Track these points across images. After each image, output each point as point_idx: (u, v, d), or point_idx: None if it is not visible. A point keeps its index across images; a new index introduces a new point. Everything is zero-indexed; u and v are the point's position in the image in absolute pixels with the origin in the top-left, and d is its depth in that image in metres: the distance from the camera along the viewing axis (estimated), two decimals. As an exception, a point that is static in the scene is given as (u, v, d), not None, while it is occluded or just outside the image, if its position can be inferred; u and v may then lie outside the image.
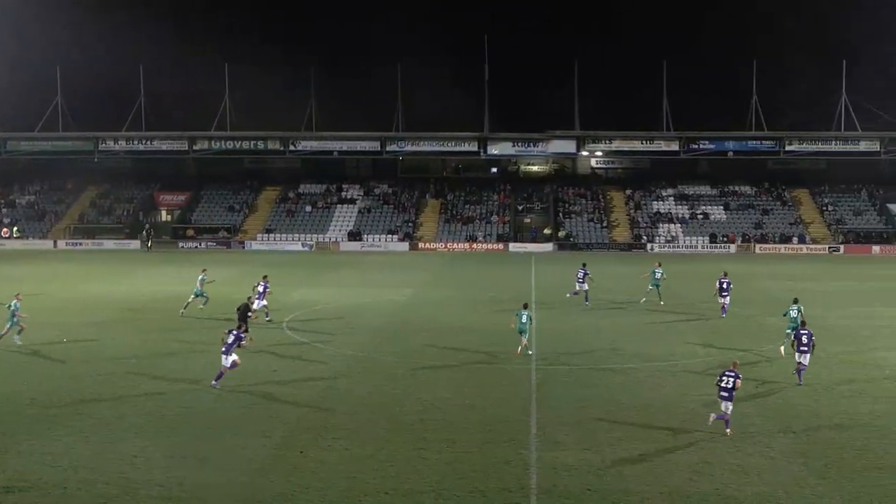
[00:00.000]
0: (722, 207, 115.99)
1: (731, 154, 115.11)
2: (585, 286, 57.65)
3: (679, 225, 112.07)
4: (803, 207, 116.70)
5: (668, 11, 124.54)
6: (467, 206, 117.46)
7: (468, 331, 48.21)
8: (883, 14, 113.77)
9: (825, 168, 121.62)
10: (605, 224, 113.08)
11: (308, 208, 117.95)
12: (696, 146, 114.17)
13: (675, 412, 31.91)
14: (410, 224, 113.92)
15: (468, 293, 64.09)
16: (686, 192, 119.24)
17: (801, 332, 37.66)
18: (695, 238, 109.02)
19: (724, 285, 54.04)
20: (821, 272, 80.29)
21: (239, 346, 35.19)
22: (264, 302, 50.88)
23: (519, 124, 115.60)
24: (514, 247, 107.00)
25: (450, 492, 23.89)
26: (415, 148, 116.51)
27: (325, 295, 62.56)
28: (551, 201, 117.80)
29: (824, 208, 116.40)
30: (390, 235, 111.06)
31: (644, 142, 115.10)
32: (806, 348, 36.78)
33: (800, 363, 36.69)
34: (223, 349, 34.92)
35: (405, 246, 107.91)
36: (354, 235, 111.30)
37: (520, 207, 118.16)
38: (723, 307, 53.74)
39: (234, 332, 35.60)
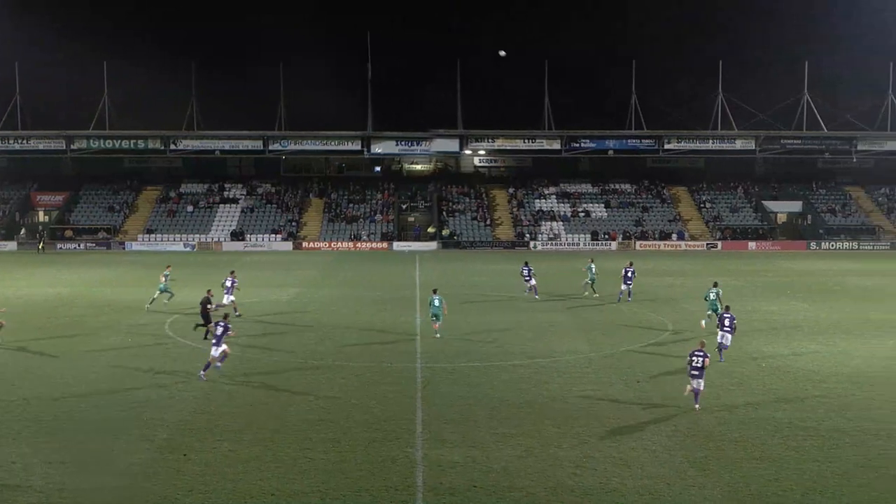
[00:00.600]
0: (603, 205, 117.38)
1: (611, 152, 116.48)
2: (533, 281, 60.47)
3: (561, 223, 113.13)
4: (682, 205, 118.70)
5: (549, 12, 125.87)
6: (351, 205, 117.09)
7: (353, 330, 48.07)
8: (757, 15, 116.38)
9: (703, 166, 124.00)
10: (488, 222, 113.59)
11: (190, 208, 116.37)
12: (578, 145, 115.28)
13: (559, 408, 32.20)
14: (294, 223, 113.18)
15: (353, 292, 63.93)
16: (568, 190, 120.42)
17: (725, 315, 41.76)
18: (577, 236, 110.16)
19: (629, 274, 58.50)
20: (699, 268, 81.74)
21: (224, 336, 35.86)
22: (232, 297, 51.93)
23: (402, 123, 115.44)
24: (398, 245, 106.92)
25: (336, 492, 23.81)
26: (298, 147, 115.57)
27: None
28: (435, 200, 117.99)
29: (702, 206, 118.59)
30: (274, 235, 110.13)
31: (526, 140, 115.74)
32: (728, 329, 40.84)
33: (721, 343, 40.71)
34: (213, 340, 35.75)
35: (289, 245, 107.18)
36: (237, 235, 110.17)
37: (403, 206, 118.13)
38: (627, 293, 58.46)
39: (222, 324, 36.17)
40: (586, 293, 60.92)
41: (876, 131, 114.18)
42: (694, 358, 32.02)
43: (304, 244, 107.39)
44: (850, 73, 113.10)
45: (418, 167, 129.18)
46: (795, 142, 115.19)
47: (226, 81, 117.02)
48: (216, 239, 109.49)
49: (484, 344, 44.27)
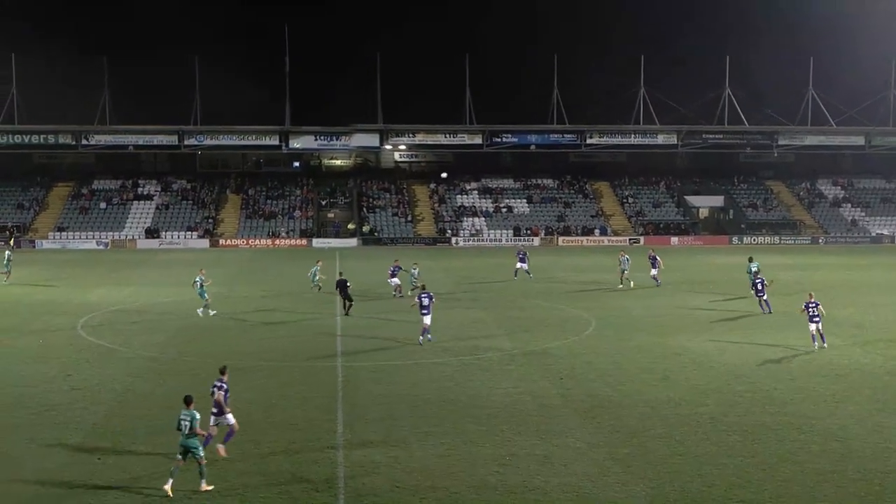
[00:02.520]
0: (525, 200, 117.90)
1: (533, 147, 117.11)
2: (525, 266, 67.80)
3: (483, 218, 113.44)
4: (604, 200, 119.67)
5: (471, 4, 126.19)
6: (269, 202, 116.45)
7: (272, 329, 47.85)
8: (678, 9, 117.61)
9: (625, 161, 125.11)
10: (409, 218, 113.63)
11: (103, 205, 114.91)
12: (500, 140, 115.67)
13: (482, 406, 32.25)
14: (211, 220, 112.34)
15: (271, 290, 63.59)
16: (490, 185, 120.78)
17: (757, 279, 53.64)
18: (499, 231, 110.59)
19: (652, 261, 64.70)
20: (633, 263, 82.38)
21: None
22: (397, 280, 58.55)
23: (321, 118, 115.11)
24: (317, 242, 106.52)
25: (256, 493, 23.61)
26: (214, 142, 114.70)
27: (123, 295, 61.17)
28: (355, 196, 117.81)
29: (625, 200, 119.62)
30: (190, 232, 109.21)
31: (447, 135, 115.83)
32: (762, 293, 52.63)
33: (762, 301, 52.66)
34: (423, 311, 42.80)
35: (205, 243, 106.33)
36: (152, 233, 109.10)
37: (323, 202, 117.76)
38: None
39: (425, 294, 39.67)
40: (621, 286, 63.82)
41: (797, 126, 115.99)
42: (810, 308, 42.01)
43: (222, 241, 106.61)
44: (772, 69, 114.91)
45: (338, 162, 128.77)
46: (717, 136, 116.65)
47: (139, 75, 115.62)
48: (130, 237, 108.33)
49: (406, 342, 44.23)
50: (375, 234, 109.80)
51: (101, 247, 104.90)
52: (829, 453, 27.30)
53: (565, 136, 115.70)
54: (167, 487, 23.29)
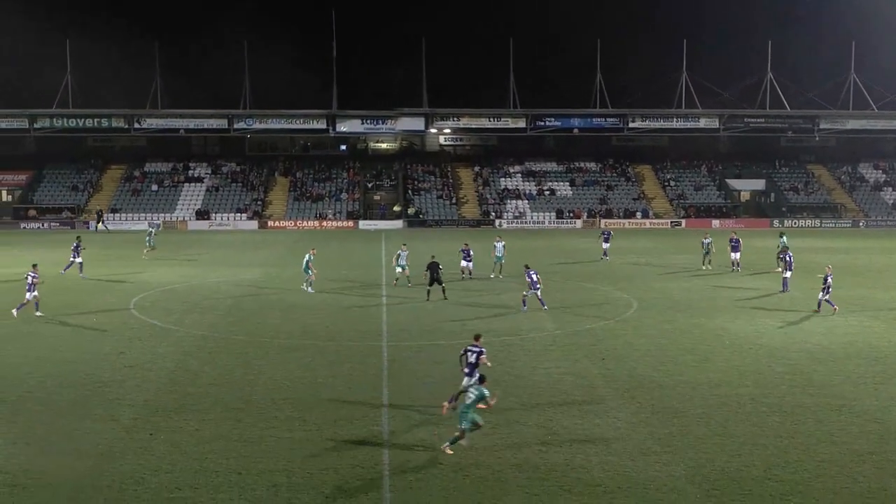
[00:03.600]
0: (568, 183, 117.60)
1: (576, 131, 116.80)
2: (608, 245, 70.03)
3: (526, 201, 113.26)
4: (646, 183, 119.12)
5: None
6: (316, 184, 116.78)
7: (319, 309, 47.98)
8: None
9: (667, 145, 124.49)
10: (453, 201, 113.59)
11: (154, 187, 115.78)
12: (543, 123, 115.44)
13: (524, 385, 32.30)
14: (259, 202, 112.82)
15: (319, 272, 63.75)
16: (533, 168, 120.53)
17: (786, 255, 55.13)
18: (542, 214, 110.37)
19: (734, 244, 63.85)
20: (663, 246, 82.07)
21: None
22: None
23: (368, 102, 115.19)
24: (364, 224, 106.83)
25: (303, 470, 23.76)
26: (263, 126, 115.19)
27: (174, 275, 61.55)
28: (400, 178, 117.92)
29: (666, 184, 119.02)
30: (239, 214, 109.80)
31: (491, 119, 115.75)
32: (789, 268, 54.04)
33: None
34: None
35: (254, 224, 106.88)
36: (202, 214, 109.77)
37: (369, 184, 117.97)
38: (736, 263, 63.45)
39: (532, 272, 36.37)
40: (704, 266, 64.55)
41: (838, 110, 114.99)
42: (829, 279, 45.75)
43: (270, 223, 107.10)
44: (813, 53, 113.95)
45: (384, 146, 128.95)
46: (759, 120, 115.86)
47: (190, 59, 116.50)
48: (181, 218, 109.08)
49: (449, 322, 44.32)
50: (420, 216, 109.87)
51: (152, 228, 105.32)
52: (868, 434, 27.15)
53: (608, 119, 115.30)
54: (448, 450, 24.82)
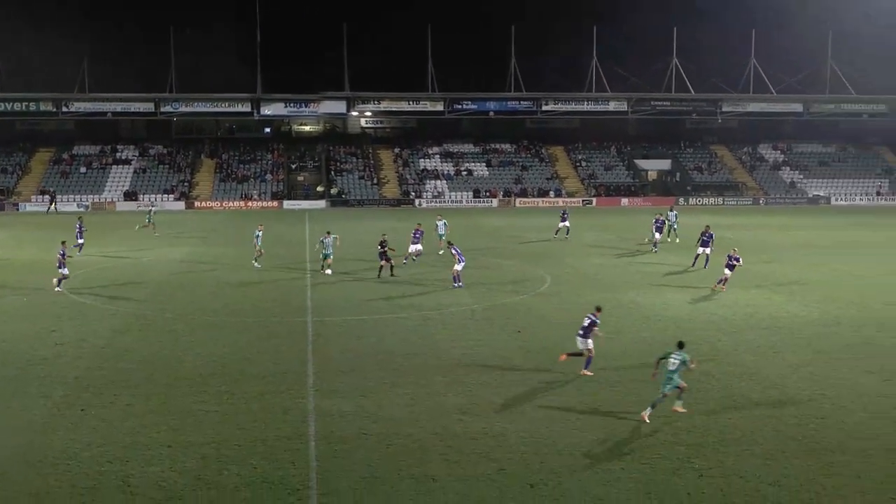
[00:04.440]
0: (484, 164, 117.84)
1: (492, 114, 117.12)
2: (567, 224, 68.37)
3: (444, 181, 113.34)
4: (559, 163, 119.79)
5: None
6: (242, 166, 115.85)
7: (245, 287, 47.71)
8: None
9: (578, 127, 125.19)
10: (375, 181, 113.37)
11: (83, 169, 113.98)
12: (460, 106, 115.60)
13: (445, 358, 32.38)
14: (186, 183, 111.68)
15: (244, 250, 63.31)
16: (451, 150, 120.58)
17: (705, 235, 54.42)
18: (459, 193, 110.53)
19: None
20: (576, 223, 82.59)
21: None
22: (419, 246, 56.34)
23: (291, 86, 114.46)
24: (288, 204, 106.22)
25: (231, 442, 23.63)
26: (189, 109, 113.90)
27: (105, 255, 60.75)
28: (323, 160, 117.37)
29: (578, 164, 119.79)
30: (166, 195, 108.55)
31: (411, 102, 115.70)
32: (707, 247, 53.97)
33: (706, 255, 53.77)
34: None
35: (181, 205, 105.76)
36: (130, 195, 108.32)
37: (293, 166, 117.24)
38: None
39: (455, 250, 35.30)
40: (668, 239, 65.80)
41: (739, 94, 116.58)
42: (730, 259, 45.68)
43: (197, 203, 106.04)
44: (716, 40, 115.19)
45: (307, 128, 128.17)
46: (665, 103, 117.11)
47: (118, 44, 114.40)
48: (109, 199, 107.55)
49: (372, 298, 44.29)
50: (343, 196, 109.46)
51: (81, 209, 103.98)
52: (767, 400, 27.63)
53: (522, 103, 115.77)
54: (680, 409, 26.14)
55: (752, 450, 23.44)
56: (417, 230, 56.59)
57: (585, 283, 49.02)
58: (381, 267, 50.50)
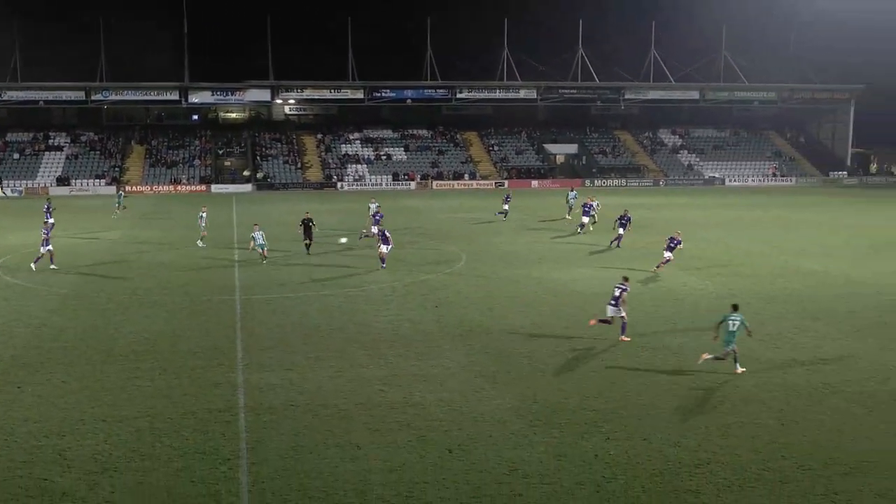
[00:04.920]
0: (402, 149, 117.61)
1: (409, 101, 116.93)
2: (507, 207, 66.83)
3: (365, 165, 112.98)
4: (473, 148, 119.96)
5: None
6: (171, 151, 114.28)
7: (175, 268, 47.12)
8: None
9: (491, 113, 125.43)
10: (298, 166, 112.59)
11: (16, 156, 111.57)
12: (379, 94, 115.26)
13: (367, 332, 32.36)
14: (117, 168, 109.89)
15: (174, 233, 62.61)
16: (371, 135, 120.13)
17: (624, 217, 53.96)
18: (379, 177, 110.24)
19: (588, 208, 61.38)
20: (490, 205, 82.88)
21: None
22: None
23: (218, 74, 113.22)
24: (216, 188, 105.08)
25: (164, 415, 23.41)
26: (119, 97, 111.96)
27: (38, 238, 59.56)
28: (249, 145, 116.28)
29: (491, 148, 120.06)
30: (98, 180, 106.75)
31: (332, 91, 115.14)
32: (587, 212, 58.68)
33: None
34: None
35: (113, 190, 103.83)
36: (63, 181, 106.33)
37: (220, 151, 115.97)
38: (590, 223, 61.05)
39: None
40: (568, 217, 65.82)
41: (640, 82, 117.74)
42: (671, 241, 44.58)
43: (128, 188, 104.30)
44: (619, 31, 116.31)
45: (233, 115, 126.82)
46: (572, 91, 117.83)
47: (48, 33, 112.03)
48: (42, 184, 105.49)
49: (297, 277, 44.09)
50: (268, 180, 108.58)
51: (15, 194, 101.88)
52: (669, 367, 28.03)
53: (438, 91, 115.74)
54: (740, 370, 27.34)
55: (655, 414, 23.80)
56: (378, 212, 56.88)
57: (498, 260, 49.24)
58: (308, 244, 51.04)
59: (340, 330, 32.77)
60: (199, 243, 54.17)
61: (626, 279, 32.42)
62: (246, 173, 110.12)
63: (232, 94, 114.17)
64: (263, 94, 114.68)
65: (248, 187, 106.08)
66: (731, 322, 27.21)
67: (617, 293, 31.49)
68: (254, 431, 22.41)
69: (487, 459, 20.79)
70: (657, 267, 45.08)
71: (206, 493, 18.91)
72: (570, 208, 67.57)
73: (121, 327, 33.25)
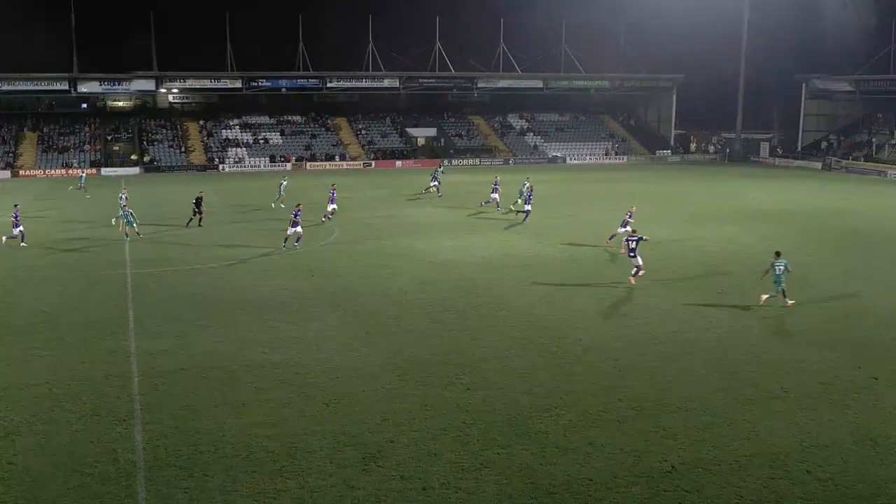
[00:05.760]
0: (278, 133, 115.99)
1: (284, 90, 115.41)
2: (496, 196, 58.53)
3: (244, 149, 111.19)
4: (342, 132, 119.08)
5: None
6: (62, 137, 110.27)
7: (68, 245, 45.72)
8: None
9: (358, 101, 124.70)
10: (183, 150, 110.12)
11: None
12: (256, 84, 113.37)
13: (250, 300, 32.04)
14: (11, 154, 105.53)
15: (66, 213, 60.63)
16: (249, 121, 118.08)
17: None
18: (257, 159, 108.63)
19: (495, 186, 58.72)
20: (359, 182, 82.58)
21: None
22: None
23: (106, 65, 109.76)
24: (105, 171, 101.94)
25: (62, 382, 22.78)
26: (10, 87, 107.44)
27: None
28: (136, 131, 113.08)
29: (358, 132, 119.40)
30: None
31: (213, 80, 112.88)
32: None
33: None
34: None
35: (7, 174, 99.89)
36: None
37: (109, 137, 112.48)
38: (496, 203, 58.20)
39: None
40: (432, 191, 63.57)
41: (491, 72, 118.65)
42: (630, 216, 42.80)
43: (21, 172, 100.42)
44: (472, 26, 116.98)
45: (121, 104, 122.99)
46: (430, 81, 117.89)
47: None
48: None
49: (185, 252, 43.25)
50: (155, 163, 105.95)
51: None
52: (520, 324, 28.53)
53: (310, 81, 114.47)
54: (790, 303, 30.49)
55: (509, 366, 24.22)
56: (333, 190, 56.08)
57: (370, 233, 49.13)
58: (199, 217, 50.88)
59: (224, 299, 32.35)
60: (113, 222, 52.17)
61: (634, 231, 35.94)
62: (134, 157, 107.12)
63: (119, 84, 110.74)
64: (149, 84, 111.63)
65: (136, 170, 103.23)
66: (776, 267, 30.04)
67: (633, 245, 34.54)
68: (147, 394, 22.03)
69: (361, 411, 20.88)
70: (609, 239, 43.89)
71: (104, 452, 18.55)
72: (437, 182, 67.25)
73: (18, 302, 32.18)
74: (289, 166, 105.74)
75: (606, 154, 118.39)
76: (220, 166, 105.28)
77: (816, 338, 27.14)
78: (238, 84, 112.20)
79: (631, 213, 43.70)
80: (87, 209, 61.42)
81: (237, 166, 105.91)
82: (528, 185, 57.17)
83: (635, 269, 34.59)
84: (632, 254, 34.56)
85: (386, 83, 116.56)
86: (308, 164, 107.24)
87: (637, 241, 34.72)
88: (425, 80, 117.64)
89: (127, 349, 25.92)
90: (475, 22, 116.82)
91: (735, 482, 17.25)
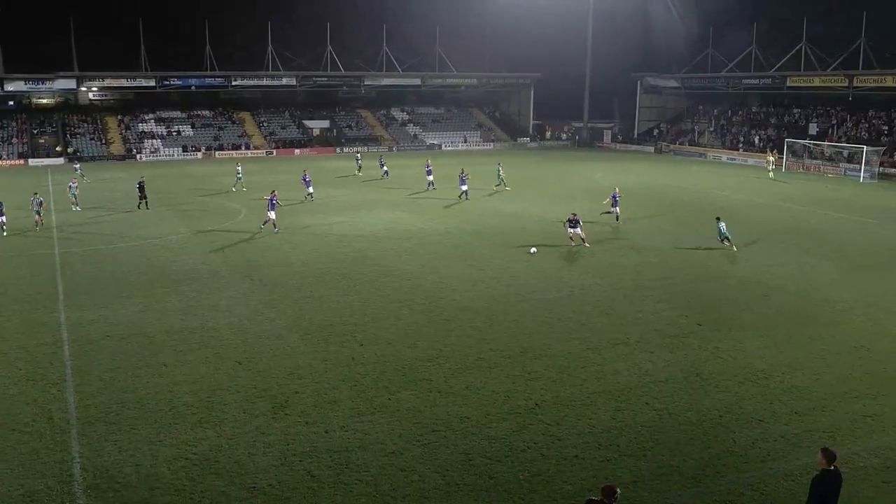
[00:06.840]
0: (190, 126, 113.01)
1: (194, 88, 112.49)
2: (465, 188, 53.36)
3: (159, 140, 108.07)
4: (247, 124, 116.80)
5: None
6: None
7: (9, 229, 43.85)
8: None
9: (260, 97, 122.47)
10: (103, 142, 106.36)
11: None
12: (169, 82, 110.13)
13: (168, 274, 31.36)
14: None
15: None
16: (163, 116, 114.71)
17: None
18: (171, 149, 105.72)
19: (464, 177, 54.33)
20: (261, 168, 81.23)
21: None
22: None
23: (31, 63, 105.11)
24: (32, 162, 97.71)
25: (-1, 351, 22.02)
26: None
27: None
28: (60, 126, 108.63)
29: (261, 125, 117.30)
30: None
31: (129, 79, 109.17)
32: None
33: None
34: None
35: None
36: None
37: (35, 131, 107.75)
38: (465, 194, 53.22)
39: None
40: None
41: (376, 72, 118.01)
42: (615, 196, 43.00)
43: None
44: (359, 31, 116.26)
45: (45, 101, 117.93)
46: (323, 79, 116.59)
47: None
48: None
49: (108, 233, 41.92)
50: (78, 154, 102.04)
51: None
52: (404, 289, 28.70)
53: (217, 79, 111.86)
54: (735, 249, 35.27)
55: (395, 325, 24.38)
56: (305, 176, 56.53)
57: (286, 214, 48.37)
58: (145, 201, 50.11)
59: (144, 274, 31.57)
60: (76, 208, 49.87)
61: (574, 213, 36.69)
62: (58, 149, 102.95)
63: (42, 84, 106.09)
64: (70, 83, 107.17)
65: (60, 160, 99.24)
66: (720, 227, 35.39)
67: (571, 217, 36.22)
68: (77, 359, 21.45)
69: (270, 367, 20.78)
70: (610, 217, 43.37)
71: (40, 412, 18.04)
72: (359, 167, 68.51)
73: (-45, 280, 30.79)
74: (199, 155, 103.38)
75: (465, 141, 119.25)
76: (138, 156, 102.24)
77: (652, 293, 28.11)
78: (152, 83, 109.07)
79: (616, 193, 43.62)
80: (15, 193, 58.94)
81: (153, 156, 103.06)
82: (501, 170, 61.69)
83: (580, 239, 36.24)
84: (570, 226, 36.35)
85: (284, 81, 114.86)
86: (217, 153, 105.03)
87: (574, 220, 36.28)
88: (319, 79, 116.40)
89: (57, 320, 25.11)
90: (361, 27, 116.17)
91: (588, 414, 17.87)
